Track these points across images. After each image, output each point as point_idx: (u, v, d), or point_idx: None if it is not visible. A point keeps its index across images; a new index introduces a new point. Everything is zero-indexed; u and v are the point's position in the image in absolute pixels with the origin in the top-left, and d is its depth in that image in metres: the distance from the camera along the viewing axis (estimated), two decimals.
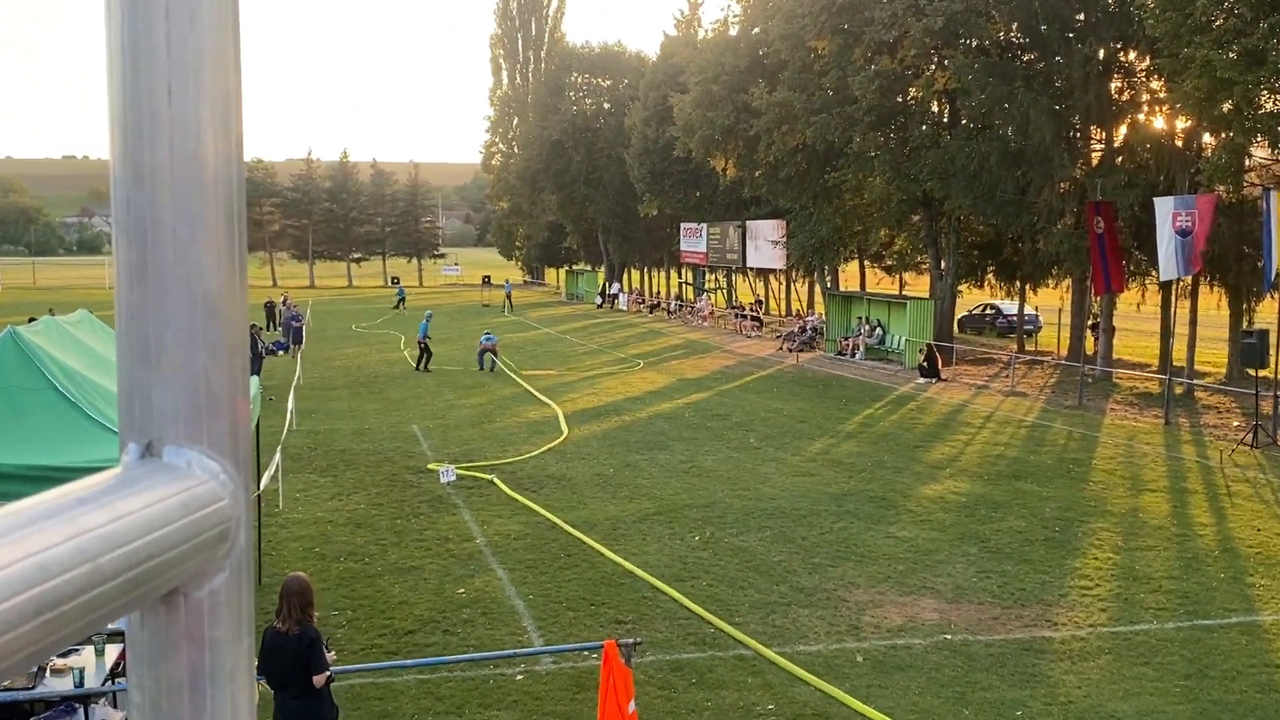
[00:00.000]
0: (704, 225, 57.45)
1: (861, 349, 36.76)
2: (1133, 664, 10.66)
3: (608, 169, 67.21)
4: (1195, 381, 28.83)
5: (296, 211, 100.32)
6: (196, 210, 0.79)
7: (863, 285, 49.48)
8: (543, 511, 16.04)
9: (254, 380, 13.77)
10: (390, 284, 74.09)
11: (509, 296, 65.60)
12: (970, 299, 46.85)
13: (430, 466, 19.17)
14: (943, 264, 38.13)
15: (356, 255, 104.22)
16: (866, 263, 50.33)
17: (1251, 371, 24.52)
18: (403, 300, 64.02)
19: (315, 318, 53.52)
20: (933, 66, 33.67)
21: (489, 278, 71.31)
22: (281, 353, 38.77)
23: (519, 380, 29.80)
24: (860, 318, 37.76)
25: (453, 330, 47.17)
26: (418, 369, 33.26)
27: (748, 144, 42.77)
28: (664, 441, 21.93)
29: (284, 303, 48.38)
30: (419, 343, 33.68)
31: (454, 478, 17.49)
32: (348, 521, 15.66)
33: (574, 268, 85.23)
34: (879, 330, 36.87)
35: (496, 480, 17.99)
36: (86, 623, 0.68)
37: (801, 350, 39.44)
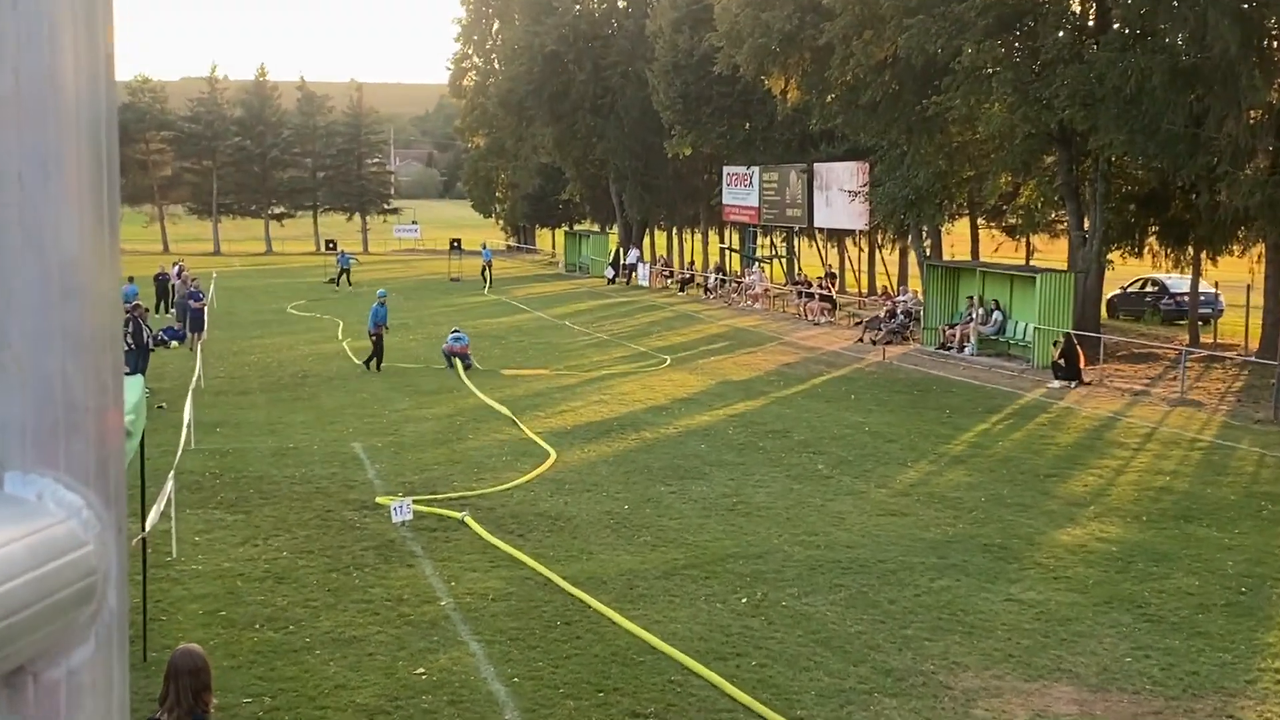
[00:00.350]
0: (755, 170, 57.36)
1: (973, 341, 36.63)
2: None
3: (623, 92, 67.20)
4: None
5: (196, 150, 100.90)
6: (50, 150, 0.79)
7: (975, 253, 49.31)
8: (531, 563, 16.07)
9: (135, 381, 13.82)
10: (325, 249, 74.25)
11: (488, 268, 65.71)
12: (1124, 272, 46.62)
13: (379, 500, 19.22)
14: (1086, 223, 37.91)
15: (278, 210, 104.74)
16: (980, 221, 50.16)
17: None
18: (346, 273, 64.07)
19: (222, 296, 53.77)
20: None
21: (459, 242, 71.38)
22: (175, 343, 38.94)
23: (475, 391, 29.77)
24: (971, 297, 37.65)
25: (409, 313, 47.32)
26: (368, 367, 33.28)
27: (816, 57, 42.63)
28: (699, 468, 21.92)
29: (178, 275, 48.65)
30: (370, 334, 33.62)
31: (410, 516, 17.52)
32: (265, 575, 15.72)
33: (576, 228, 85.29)
34: (997, 315, 36.74)
35: (468, 520, 18.04)
36: None
37: (890, 342, 39.32)
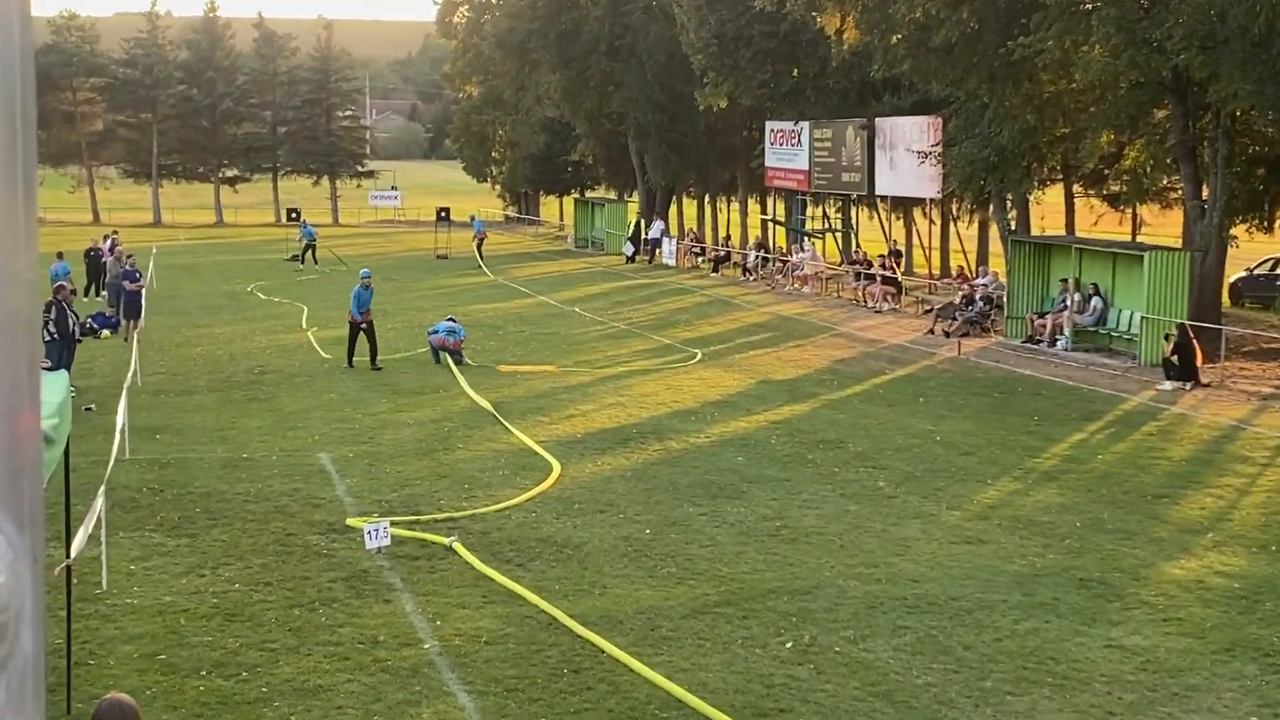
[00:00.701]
0: (805, 126, 57.25)
1: (1066, 333, 36.51)
2: None
3: (645, 31, 67.17)
4: None
5: (132, 100, 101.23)
6: None
7: (1070, 226, 49.14)
8: (533, 598, 16.06)
9: (57, 378, 13.85)
10: (288, 219, 74.41)
11: (479, 245, 65.23)
12: (1251, 250, 46.41)
13: (350, 522, 19.25)
14: (1204, 191, 37.73)
15: (230, 173, 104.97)
16: (1076, 189, 49.99)
17: None
18: (311, 249, 64.20)
19: (163, 275, 53.90)
20: None
21: (448, 212, 71.46)
22: (108, 332, 39.03)
23: (468, 391, 29.78)
24: (1065, 280, 37.53)
25: (388, 297, 47.40)
26: (366, 365, 32.88)
27: None
28: (735, 484, 21.90)
29: (111, 250, 48.80)
30: (355, 323, 33.07)
31: (388, 541, 17.54)
32: (214, 611, 15.76)
33: (588, 195, 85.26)
34: (1096, 302, 36.60)
35: (457, 546, 18.05)
36: None
37: (966, 334, 39.21)
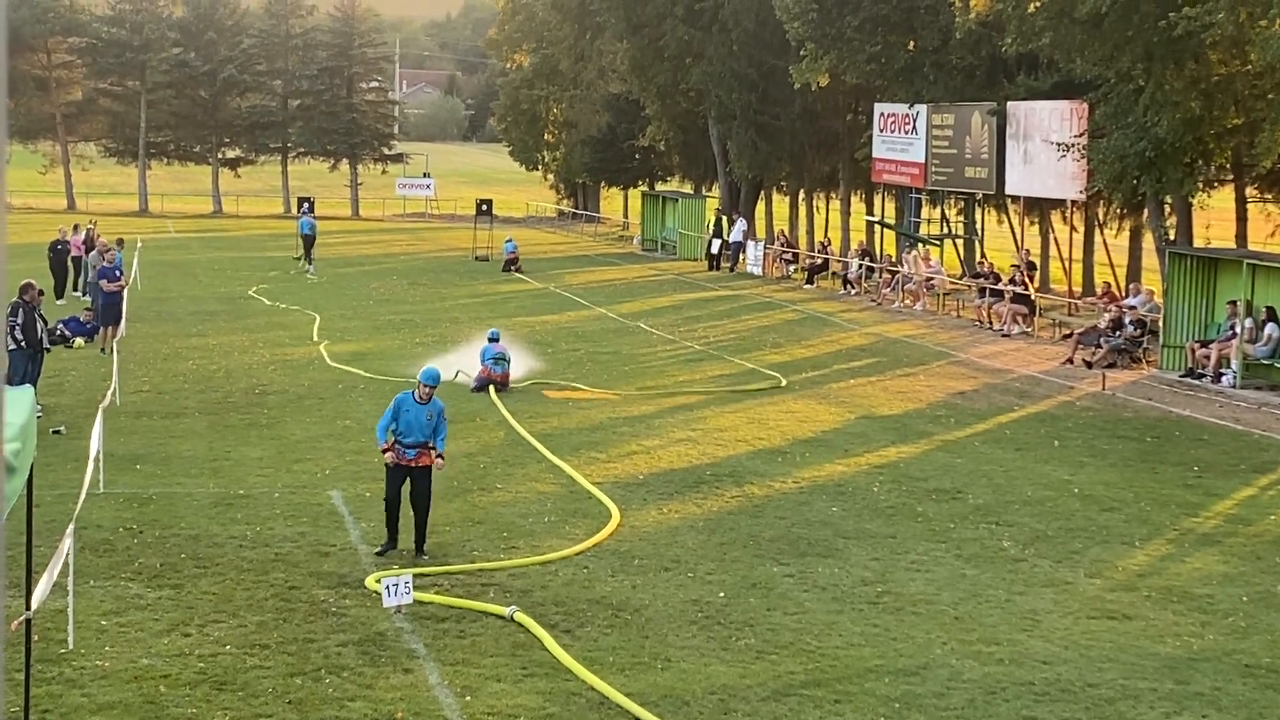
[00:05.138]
0: (921, 110, 57.09)
1: (1235, 366, 36.22)
2: None
3: None
4: None
5: (118, 65, 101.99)
6: None
7: (1242, 237, 48.76)
8: (582, 671, 16.04)
9: (22, 394, 13.97)
10: (298, 211, 74.66)
11: (514, 260, 63.02)
12: None
13: (369, 583, 19.23)
14: None
15: (232, 154, 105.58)
16: (1250, 192, 49.57)
17: None
18: (310, 244, 62.23)
19: (149, 274, 54.25)
20: None
21: (490, 205, 71.55)
22: (82, 341, 39.28)
23: (509, 419, 29.81)
24: (1234, 303, 37.25)
25: (415, 307, 47.57)
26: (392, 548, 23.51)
27: None
28: (828, 540, 21.83)
29: (88, 242, 49.15)
30: (393, 462, 21.62)
31: (409, 599, 17.55)
32: (199, 678, 15.81)
33: (658, 189, 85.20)
34: (1272, 329, 36.29)
35: (521, 617, 18.03)
36: None
37: (1113, 365, 38.97)
